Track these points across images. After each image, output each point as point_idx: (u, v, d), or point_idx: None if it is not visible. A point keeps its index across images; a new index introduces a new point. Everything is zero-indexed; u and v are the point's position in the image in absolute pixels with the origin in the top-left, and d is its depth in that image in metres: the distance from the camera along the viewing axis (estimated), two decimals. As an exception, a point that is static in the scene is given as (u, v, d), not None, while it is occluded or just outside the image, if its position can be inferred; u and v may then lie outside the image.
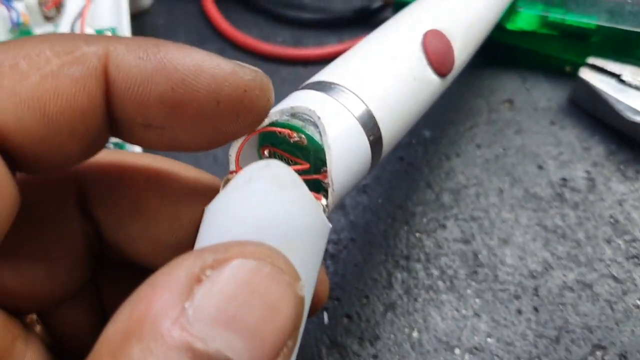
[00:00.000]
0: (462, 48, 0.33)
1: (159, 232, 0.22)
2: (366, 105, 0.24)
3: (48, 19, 0.44)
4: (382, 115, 0.25)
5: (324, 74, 0.26)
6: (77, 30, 0.40)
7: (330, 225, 0.20)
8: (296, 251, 0.19)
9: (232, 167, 0.23)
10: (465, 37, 0.34)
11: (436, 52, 0.29)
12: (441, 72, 0.30)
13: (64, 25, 0.42)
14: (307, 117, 0.22)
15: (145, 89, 0.18)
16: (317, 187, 0.23)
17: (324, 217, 0.20)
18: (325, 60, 0.46)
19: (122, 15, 0.40)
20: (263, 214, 0.18)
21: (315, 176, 0.23)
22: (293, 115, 0.23)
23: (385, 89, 0.26)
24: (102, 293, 0.25)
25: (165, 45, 0.19)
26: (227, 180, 0.21)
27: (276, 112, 0.22)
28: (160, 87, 0.18)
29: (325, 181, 0.22)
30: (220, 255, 0.16)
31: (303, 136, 0.22)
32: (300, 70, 0.45)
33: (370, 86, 0.25)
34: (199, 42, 0.47)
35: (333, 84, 0.24)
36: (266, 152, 0.24)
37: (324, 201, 0.22)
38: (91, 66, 0.18)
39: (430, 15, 0.32)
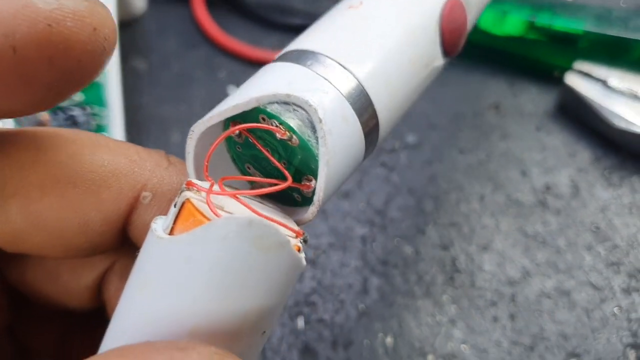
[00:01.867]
0: (471, 23, 0.27)
1: (68, 239, 0.20)
2: (374, 106, 0.20)
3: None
4: (385, 116, 0.21)
5: (322, 41, 0.21)
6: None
7: (305, 265, 0.18)
8: (267, 318, 0.17)
9: (190, 170, 0.20)
10: (477, 9, 0.28)
11: (453, 30, 0.24)
12: (449, 53, 0.25)
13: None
14: (304, 113, 0.18)
15: None
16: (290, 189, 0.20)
17: (302, 264, 0.17)
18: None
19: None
20: (237, 285, 0.16)
21: (296, 185, 0.19)
22: (286, 104, 0.18)
23: (395, 81, 0.21)
24: (20, 332, 0.23)
25: None
26: (186, 204, 0.17)
27: (266, 97, 0.18)
28: None
29: (306, 191, 0.20)
30: None
31: (295, 138, 0.18)
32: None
33: (380, 78, 0.21)
34: (188, 47, 0.47)
35: (335, 61, 0.20)
36: (236, 133, 0.20)
37: (303, 237, 0.19)
38: None
39: None
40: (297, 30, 0.23)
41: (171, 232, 0.17)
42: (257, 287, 0.16)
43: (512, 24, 0.43)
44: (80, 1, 0.16)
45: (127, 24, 0.49)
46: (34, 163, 0.18)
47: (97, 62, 0.16)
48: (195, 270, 0.16)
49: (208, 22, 0.48)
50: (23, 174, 0.18)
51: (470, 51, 0.45)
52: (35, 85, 0.16)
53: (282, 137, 0.18)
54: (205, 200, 0.17)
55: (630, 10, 0.43)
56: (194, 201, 0.17)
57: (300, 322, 0.35)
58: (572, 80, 0.42)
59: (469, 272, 0.36)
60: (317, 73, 0.19)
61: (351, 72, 0.20)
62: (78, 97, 0.40)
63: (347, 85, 0.19)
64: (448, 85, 0.44)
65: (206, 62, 0.46)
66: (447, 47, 0.24)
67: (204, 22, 0.48)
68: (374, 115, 0.20)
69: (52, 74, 0.16)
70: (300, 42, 0.21)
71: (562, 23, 0.43)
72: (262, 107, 0.18)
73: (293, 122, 0.18)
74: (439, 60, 0.24)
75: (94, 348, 0.18)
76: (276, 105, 0.18)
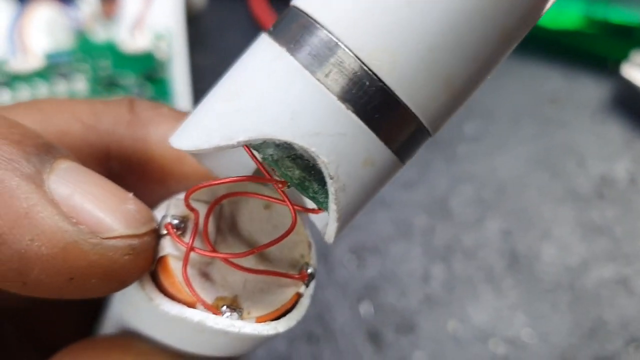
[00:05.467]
0: None
1: None
2: (418, 118, 0.14)
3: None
4: (436, 116, 0.15)
5: (345, 12, 0.14)
6: (136, 32, 0.43)
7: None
8: None
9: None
10: None
11: None
12: None
13: (123, 28, 0.44)
14: (309, 160, 0.15)
15: None
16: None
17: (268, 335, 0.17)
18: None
19: (178, 18, 0.43)
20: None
21: (306, 210, 0.17)
22: (286, 146, 0.15)
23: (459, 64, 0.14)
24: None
25: None
26: (164, 260, 0.17)
27: (258, 138, 0.14)
28: None
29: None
30: None
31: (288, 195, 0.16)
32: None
33: (431, 72, 0.14)
34: (249, 41, 0.49)
35: (357, 59, 0.14)
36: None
37: (303, 289, 0.18)
38: None
39: None
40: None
41: (156, 281, 0.17)
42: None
43: (568, 18, 0.44)
44: (122, 251, 0.15)
45: (189, 21, 0.51)
46: None
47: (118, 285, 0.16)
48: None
49: (267, 17, 0.49)
50: None
51: (525, 44, 0.46)
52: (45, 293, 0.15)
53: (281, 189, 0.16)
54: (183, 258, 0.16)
55: (687, 2, 0.44)
56: (172, 263, 0.17)
57: (365, 307, 0.36)
58: (628, 71, 0.42)
59: (528, 259, 0.38)
60: (332, 93, 0.14)
61: (378, 77, 0.14)
62: (148, 92, 0.42)
63: (379, 104, 0.14)
64: (504, 77, 0.45)
65: (266, 57, 0.47)
66: None
67: (263, 16, 0.50)
68: (416, 125, 0.15)
69: (66, 290, 0.15)
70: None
71: (617, 15, 0.43)
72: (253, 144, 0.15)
73: (291, 175, 0.15)
74: None
75: None
76: (273, 149, 0.15)
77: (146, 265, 0.16)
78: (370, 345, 0.35)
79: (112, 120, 0.19)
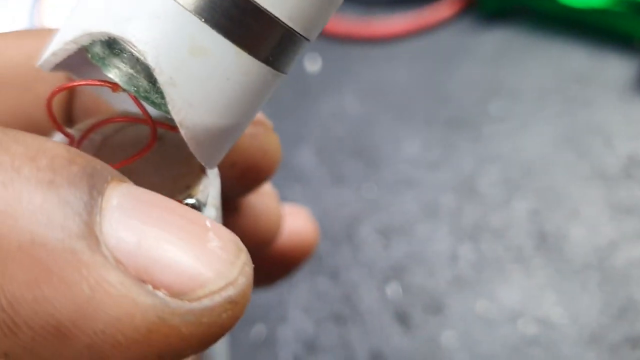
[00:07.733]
0: None
1: None
2: (268, 10, 0.13)
3: None
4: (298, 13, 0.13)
5: None
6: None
7: None
8: None
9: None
10: None
11: None
12: None
13: None
14: (135, 55, 0.13)
15: None
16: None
17: None
18: (396, 39, 0.47)
19: None
20: None
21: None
22: (112, 42, 0.14)
23: None
24: None
25: None
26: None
27: (81, 37, 0.13)
28: None
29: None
30: None
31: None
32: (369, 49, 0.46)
33: None
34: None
35: None
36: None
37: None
38: None
39: None
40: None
41: None
42: None
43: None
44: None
45: None
46: None
47: None
48: None
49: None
50: None
51: (551, 22, 0.46)
52: None
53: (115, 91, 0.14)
54: None
55: None
56: None
57: (392, 288, 0.36)
58: (657, 50, 0.42)
59: (556, 239, 0.37)
60: None
61: None
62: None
63: None
64: (530, 56, 0.45)
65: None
66: None
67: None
68: (270, 22, 0.13)
69: None
70: None
71: (645, -8, 0.42)
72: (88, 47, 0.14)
73: (119, 74, 0.14)
74: None
75: None
76: (99, 47, 0.14)
77: (244, 310, 0.12)
78: (398, 326, 0.35)
79: None
